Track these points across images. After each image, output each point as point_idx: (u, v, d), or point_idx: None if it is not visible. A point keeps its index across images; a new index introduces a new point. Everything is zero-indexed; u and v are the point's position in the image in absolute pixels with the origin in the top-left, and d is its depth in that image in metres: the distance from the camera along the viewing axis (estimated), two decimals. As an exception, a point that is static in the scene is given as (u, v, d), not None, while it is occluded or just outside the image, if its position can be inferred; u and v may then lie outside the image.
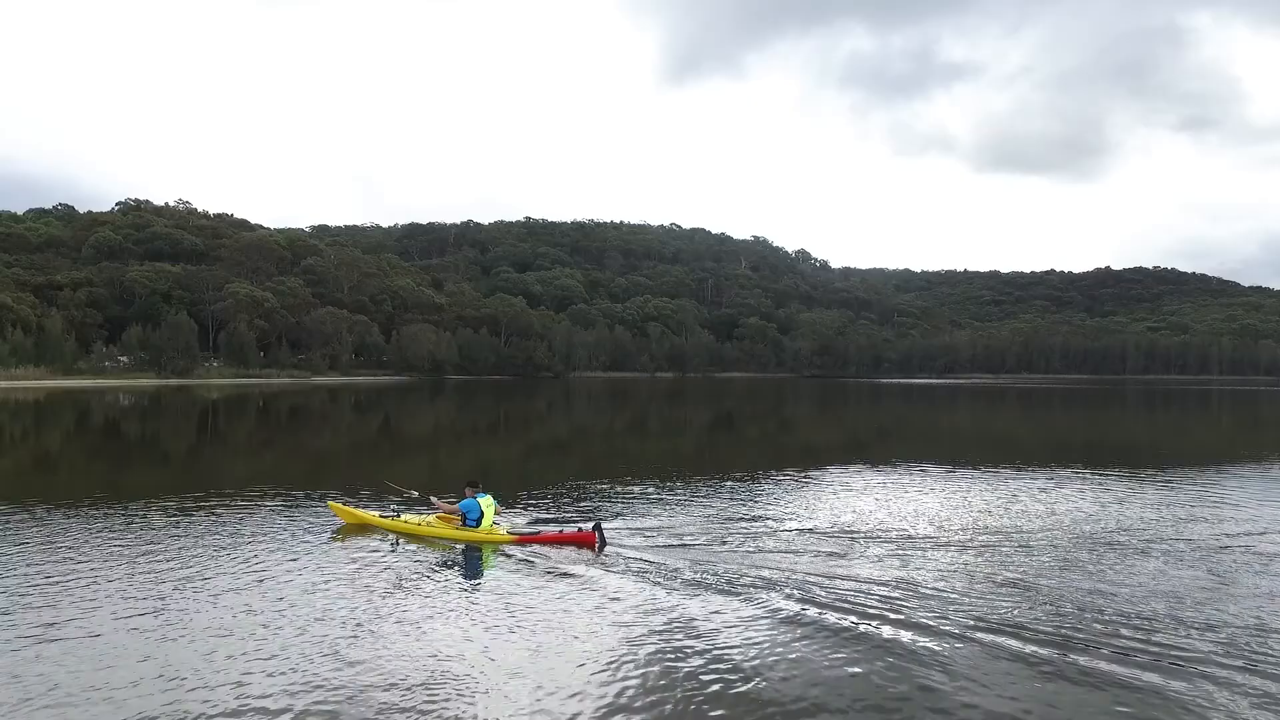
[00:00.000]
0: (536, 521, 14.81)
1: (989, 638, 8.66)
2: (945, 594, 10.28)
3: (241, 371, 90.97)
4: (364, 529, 14.21)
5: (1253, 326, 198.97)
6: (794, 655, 8.24)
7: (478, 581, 11.35)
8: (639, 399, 74.50)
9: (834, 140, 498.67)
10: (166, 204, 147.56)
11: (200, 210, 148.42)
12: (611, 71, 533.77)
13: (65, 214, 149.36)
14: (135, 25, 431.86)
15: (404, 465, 25.76)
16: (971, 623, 9.14)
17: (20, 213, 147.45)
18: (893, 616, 9.38)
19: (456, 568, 12.02)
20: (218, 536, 13.34)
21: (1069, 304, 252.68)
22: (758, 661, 8.10)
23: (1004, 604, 9.87)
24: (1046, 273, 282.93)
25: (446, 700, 7.15)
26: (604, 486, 19.48)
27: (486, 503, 13.60)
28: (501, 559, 12.46)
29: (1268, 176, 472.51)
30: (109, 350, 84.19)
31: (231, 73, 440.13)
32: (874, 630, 8.95)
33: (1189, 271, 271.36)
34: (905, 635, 8.78)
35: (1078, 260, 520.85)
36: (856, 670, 7.86)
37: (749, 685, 7.55)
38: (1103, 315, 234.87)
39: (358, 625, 9.04)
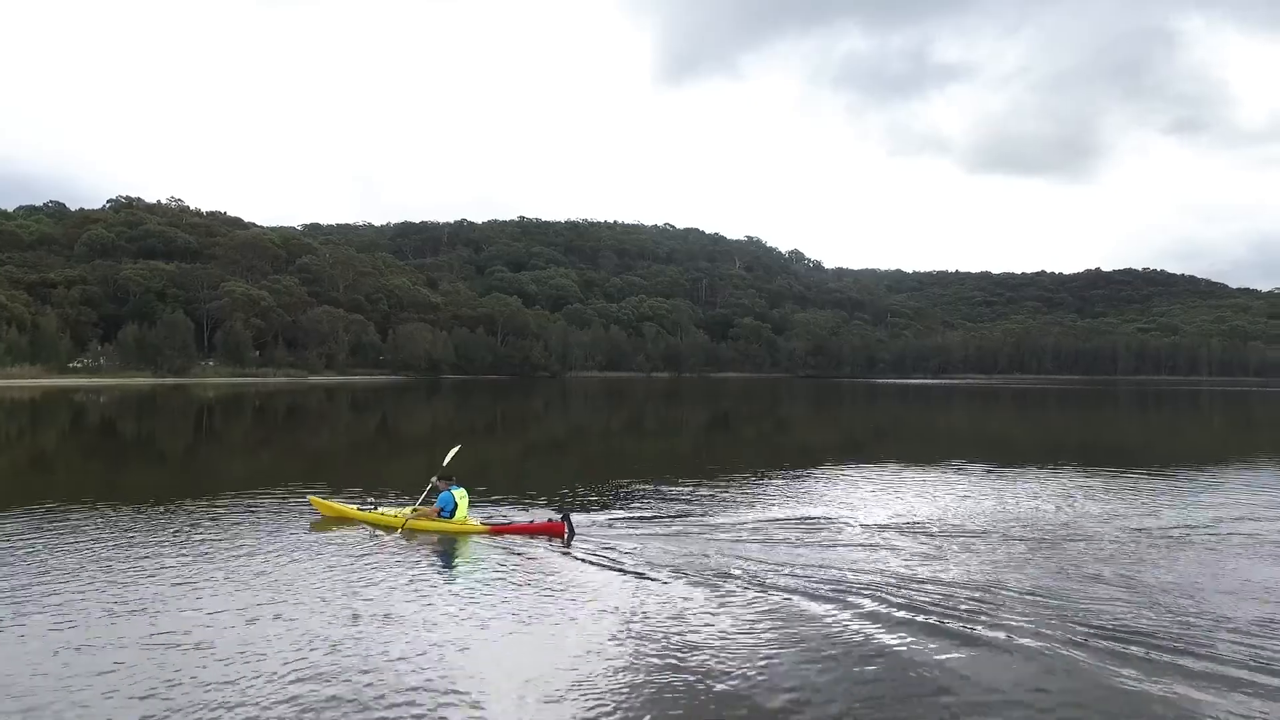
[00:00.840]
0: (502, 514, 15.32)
1: (992, 633, 8.81)
2: (953, 586, 10.48)
3: (238, 371, 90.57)
4: (343, 522, 14.48)
5: (1241, 328, 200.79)
6: (772, 642, 8.46)
7: (454, 572, 11.66)
8: (637, 399, 74.64)
9: (830, 141, 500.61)
10: (159, 201, 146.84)
11: (192, 208, 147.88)
12: (609, 71, 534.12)
13: (56, 211, 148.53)
14: (130, 24, 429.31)
15: (401, 464, 25.80)
16: (975, 616, 9.31)
17: (10, 210, 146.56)
18: (880, 607, 9.58)
19: (434, 559, 12.29)
20: (204, 534, 13.38)
21: (1059, 305, 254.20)
22: (734, 652, 8.26)
23: (1008, 596, 10.07)
24: (1037, 274, 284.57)
25: (428, 693, 7.22)
26: (601, 483, 19.71)
27: (460, 495, 14.08)
28: (477, 549, 12.82)
29: (1257, 179, 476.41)
30: (105, 349, 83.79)
31: (222, 71, 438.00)
32: (863, 620, 9.15)
33: (1178, 273, 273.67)
34: (897, 626, 8.96)
35: (1069, 261, 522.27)
36: (843, 659, 8.04)
37: (726, 677, 7.66)
38: (1093, 316, 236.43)
39: (335, 619, 9.10)
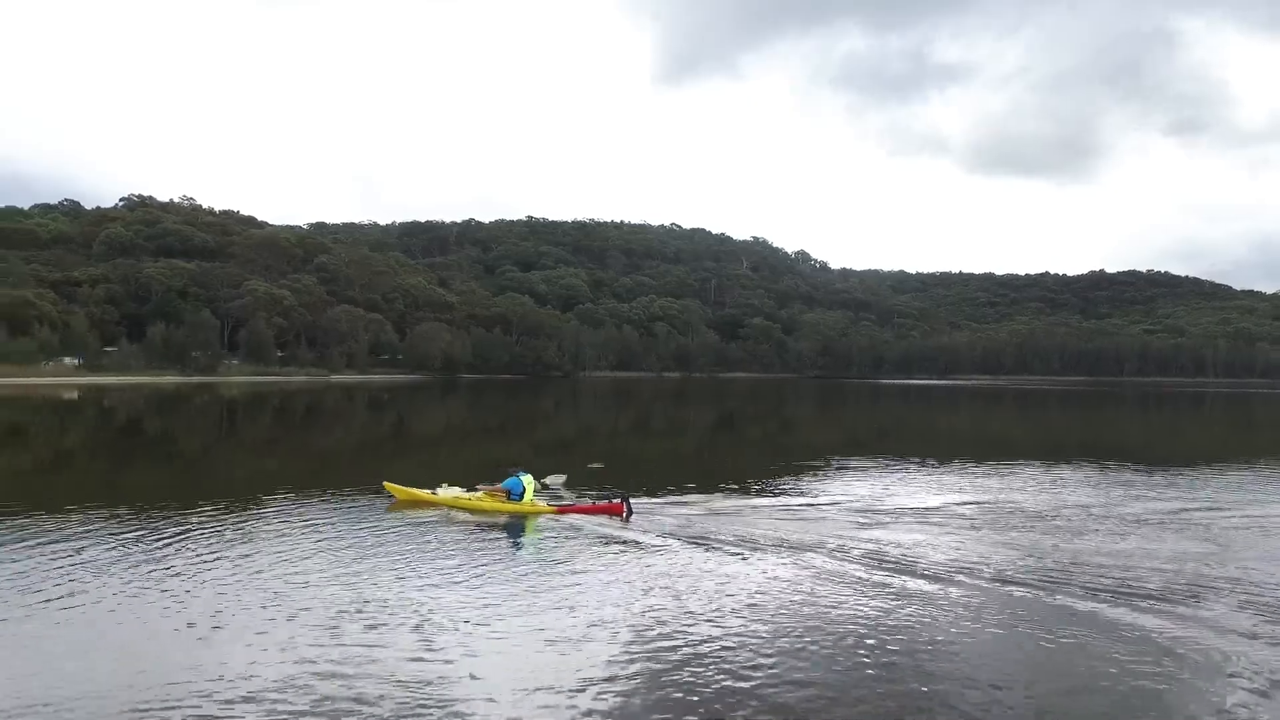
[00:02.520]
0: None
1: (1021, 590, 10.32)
2: (956, 566, 11.86)
3: (261, 369, 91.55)
4: (417, 505, 15.80)
5: (1247, 330, 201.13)
6: (814, 612, 9.66)
7: (525, 547, 13.05)
8: (653, 399, 75.67)
9: (830, 141, 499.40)
10: (172, 200, 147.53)
11: (205, 207, 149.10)
12: (610, 71, 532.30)
13: (71, 210, 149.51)
14: (132, 24, 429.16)
15: (436, 460, 27.19)
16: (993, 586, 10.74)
17: (26, 209, 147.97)
18: (890, 576, 11.14)
19: (508, 536, 13.77)
20: (286, 520, 14.45)
21: (1063, 306, 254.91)
22: (773, 607, 9.65)
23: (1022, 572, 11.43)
24: (1041, 275, 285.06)
25: (493, 666, 7.87)
26: (642, 473, 21.52)
27: (527, 480, 15.67)
28: (544, 527, 14.34)
29: (1257, 179, 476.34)
30: (133, 348, 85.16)
31: (220, 70, 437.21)
32: (887, 586, 10.64)
33: (1182, 274, 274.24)
34: (911, 591, 10.41)
35: (1070, 262, 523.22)
36: (866, 625, 9.19)
37: (773, 635, 8.79)
38: (1098, 318, 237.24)
39: (424, 591, 10.11)
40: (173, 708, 6.84)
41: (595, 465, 22.13)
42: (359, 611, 9.29)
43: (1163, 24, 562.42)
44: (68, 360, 77.17)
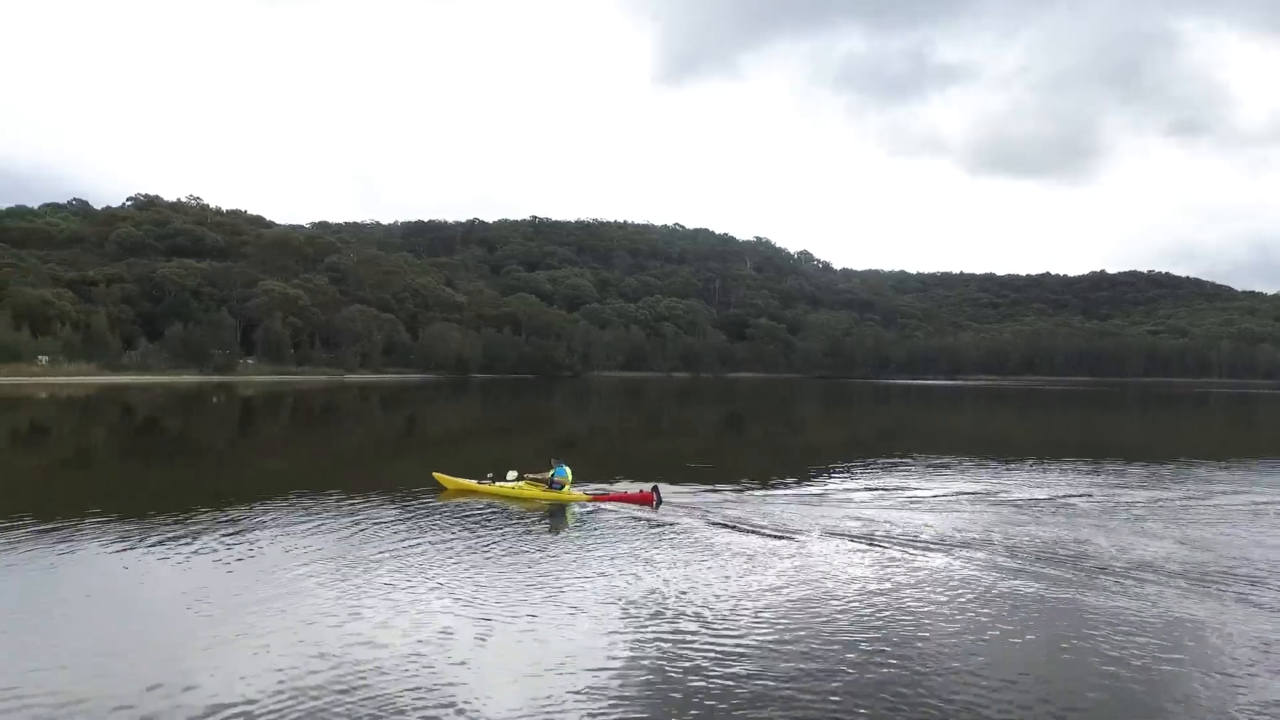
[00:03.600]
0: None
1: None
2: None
3: (278, 369, 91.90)
4: (465, 494, 16.99)
5: (1250, 330, 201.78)
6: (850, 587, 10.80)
7: (563, 535, 14.30)
8: (672, 399, 76.25)
9: (831, 141, 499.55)
10: (179, 200, 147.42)
11: (213, 207, 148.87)
12: (611, 71, 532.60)
13: (80, 210, 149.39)
14: (130, 23, 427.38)
15: (475, 454, 27.91)
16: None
17: (36, 208, 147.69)
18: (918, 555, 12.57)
19: (549, 521, 15.18)
20: (332, 513, 15.25)
21: (1065, 307, 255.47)
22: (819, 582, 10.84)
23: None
24: (1042, 275, 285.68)
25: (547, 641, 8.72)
26: (665, 466, 22.70)
27: (567, 471, 17.07)
28: (581, 514, 15.78)
29: (1257, 180, 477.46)
30: (152, 347, 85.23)
31: (222, 69, 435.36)
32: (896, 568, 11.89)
33: (1183, 275, 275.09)
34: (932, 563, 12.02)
35: (1070, 262, 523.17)
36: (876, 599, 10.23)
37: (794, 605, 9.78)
38: (1099, 319, 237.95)
39: (464, 580, 10.91)
40: (183, 703, 6.99)
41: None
42: (395, 601, 9.90)
43: (1163, 24, 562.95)
44: (43, 360, 75.77)
